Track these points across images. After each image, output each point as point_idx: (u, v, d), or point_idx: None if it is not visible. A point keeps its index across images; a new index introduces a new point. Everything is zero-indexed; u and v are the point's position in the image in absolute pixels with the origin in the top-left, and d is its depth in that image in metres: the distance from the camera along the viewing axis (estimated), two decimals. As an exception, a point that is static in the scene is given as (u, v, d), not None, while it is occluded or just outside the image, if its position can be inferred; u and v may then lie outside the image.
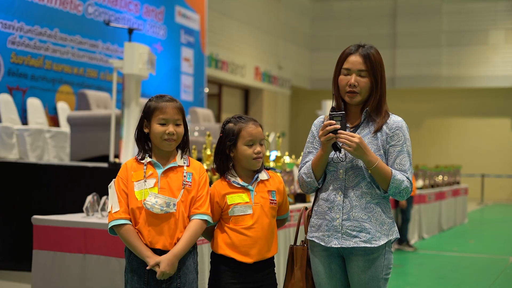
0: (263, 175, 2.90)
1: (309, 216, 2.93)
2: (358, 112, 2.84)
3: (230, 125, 2.88)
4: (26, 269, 5.55)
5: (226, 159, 2.87)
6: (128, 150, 6.34)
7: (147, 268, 2.68)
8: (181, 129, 2.77)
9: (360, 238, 2.74)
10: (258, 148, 2.85)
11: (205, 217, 2.78)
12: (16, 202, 6.49)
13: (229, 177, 2.87)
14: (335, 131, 2.68)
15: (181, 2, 12.73)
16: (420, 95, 22.08)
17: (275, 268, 2.97)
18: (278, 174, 3.00)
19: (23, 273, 5.98)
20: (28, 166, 6.63)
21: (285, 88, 20.55)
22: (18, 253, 6.31)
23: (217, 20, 16.09)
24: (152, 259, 2.68)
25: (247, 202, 2.83)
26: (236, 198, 2.83)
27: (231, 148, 2.86)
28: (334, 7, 22.39)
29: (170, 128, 2.73)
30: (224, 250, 2.83)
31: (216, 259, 2.88)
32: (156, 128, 2.74)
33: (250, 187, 2.86)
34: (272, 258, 2.93)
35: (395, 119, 2.81)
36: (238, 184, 2.85)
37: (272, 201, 2.88)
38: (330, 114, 2.72)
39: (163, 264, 2.66)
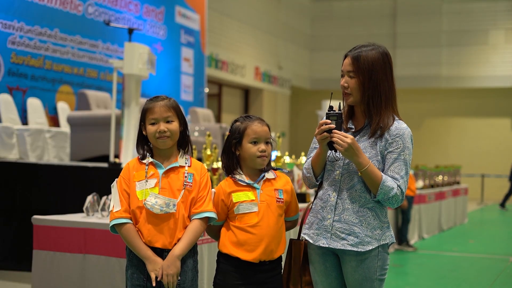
0: (269, 174, 2.90)
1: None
2: (362, 116, 2.85)
3: (237, 123, 2.91)
4: (26, 269, 5.55)
5: (232, 157, 2.89)
6: (128, 150, 6.34)
7: (158, 279, 2.69)
8: (173, 125, 2.79)
9: (348, 241, 2.73)
10: (262, 147, 2.85)
11: (205, 214, 2.79)
12: (16, 202, 6.49)
13: (235, 175, 2.88)
14: (330, 131, 2.69)
15: (181, 2, 12.73)
16: (420, 95, 22.09)
17: (282, 270, 2.96)
18: (285, 174, 3.00)
19: (23, 273, 5.98)
20: (28, 166, 6.63)
21: (285, 88, 20.55)
22: (18, 253, 6.31)
23: (217, 20, 16.09)
24: (151, 259, 2.70)
25: (252, 200, 2.83)
26: (241, 196, 2.83)
27: (236, 146, 2.87)
28: (334, 7, 22.40)
29: (161, 126, 2.76)
30: (229, 249, 2.84)
31: (222, 258, 2.88)
32: (149, 128, 2.78)
33: (256, 185, 2.85)
34: (279, 259, 2.92)
35: (398, 126, 2.78)
36: (244, 182, 2.85)
37: (278, 200, 2.87)
38: (326, 114, 2.73)
39: (165, 267, 2.69)
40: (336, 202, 2.77)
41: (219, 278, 2.87)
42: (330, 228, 2.76)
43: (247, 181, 2.85)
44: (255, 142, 2.85)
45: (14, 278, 5.99)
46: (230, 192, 2.85)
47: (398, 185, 2.71)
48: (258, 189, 2.85)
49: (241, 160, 2.89)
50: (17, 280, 5.89)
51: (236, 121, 2.93)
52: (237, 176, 2.87)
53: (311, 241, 2.82)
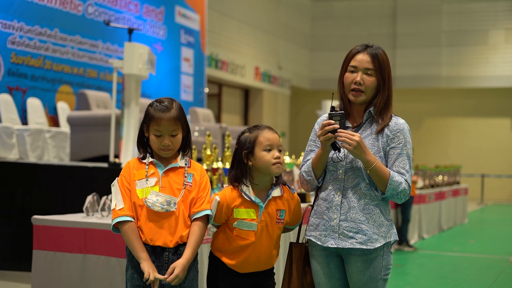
0: (277, 191, 2.85)
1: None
2: (362, 112, 2.84)
3: (246, 134, 2.85)
4: (26, 269, 5.55)
5: (244, 168, 2.82)
6: (128, 150, 6.34)
7: (155, 277, 2.69)
8: (177, 139, 2.79)
9: (356, 239, 2.73)
10: (277, 153, 2.80)
11: (205, 212, 2.80)
12: (16, 202, 6.49)
13: (242, 187, 2.82)
14: (334, 131, 2.68)
15: (181, 2, 12.73)
16: (420, 95, 22.08)
17: (274, 276, 2.96)
18: (295, 194, 2.95)
19: (23, 273, 5.98)
20: (28, 166, 6.63)
21: (285, 88, 20.55)
22: (18, 253, 6.30)
23: (217, 20, 16.09)
24: (147, 262, 2.70)
25: (253, 219, 2.80)
26: (243, 214, 2.80)
27: (248, 156, 2.81)
28: (334, 7, 22.39)
29: (165, 140, 2.76)
30: (222, 256, 2.85)
31: (214, 259, 2.89)
32: (152, 138, 2.79)
33: (260, 203, 2.82)
34: (272, 269, 2.93)
35: (397, 121, 2.80)
36: (249, 198, 2.81)
37: (279, 220, 2.86)
38: (329, 114, 2.71)
39: (178, 269, 2.69)
40: (341, 202, 2.77)
41: (210, 277, 2.89)
42: (337, 228, 2.76)
43: (252, 198, 2.81)
44: (269, 150, 2.79)
45: (14, 278, 5.99)
46: (233, 207, 2.81)
47: (405, 180, 2.72)
48: (262, 207, 2.82)
49: (253, 171, 2.82)
50: (17, 280, 5.89)
51: (243, 132, 2.88)
52: (244, 189, 2.82)
53: (319, 243, 2.80)
